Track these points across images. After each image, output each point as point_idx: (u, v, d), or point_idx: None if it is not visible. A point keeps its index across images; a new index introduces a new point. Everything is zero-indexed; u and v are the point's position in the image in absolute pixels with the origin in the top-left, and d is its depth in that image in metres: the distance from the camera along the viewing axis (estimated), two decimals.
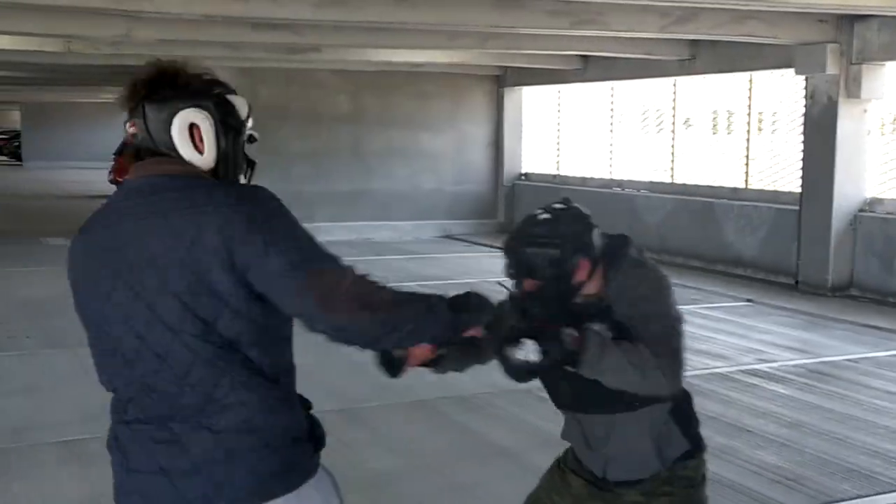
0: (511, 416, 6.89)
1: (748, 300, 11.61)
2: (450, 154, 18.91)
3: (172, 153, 2.50)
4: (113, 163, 27.96)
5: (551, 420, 6.34)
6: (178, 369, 2.38)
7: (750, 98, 13.90)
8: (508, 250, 2.95)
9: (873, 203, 11.93)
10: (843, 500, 5.35)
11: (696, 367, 7.82)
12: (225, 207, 2.38)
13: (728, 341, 9.34)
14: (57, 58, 15.45)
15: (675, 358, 2.81)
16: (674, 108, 15.47)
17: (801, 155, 12.46)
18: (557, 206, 2.99)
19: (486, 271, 13.83)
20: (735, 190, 14.06)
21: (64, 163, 38.29)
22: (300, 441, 2.53)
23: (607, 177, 17.00)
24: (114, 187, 27.42)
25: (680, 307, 2.93)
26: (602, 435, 3.05)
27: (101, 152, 30.57)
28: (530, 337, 2.74)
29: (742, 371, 8.21)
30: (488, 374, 7.79)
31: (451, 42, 13.46)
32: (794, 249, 12.45)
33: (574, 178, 17.82)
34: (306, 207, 17.26)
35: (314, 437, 2.58)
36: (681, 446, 3.00)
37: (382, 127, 18.18)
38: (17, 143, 44.58)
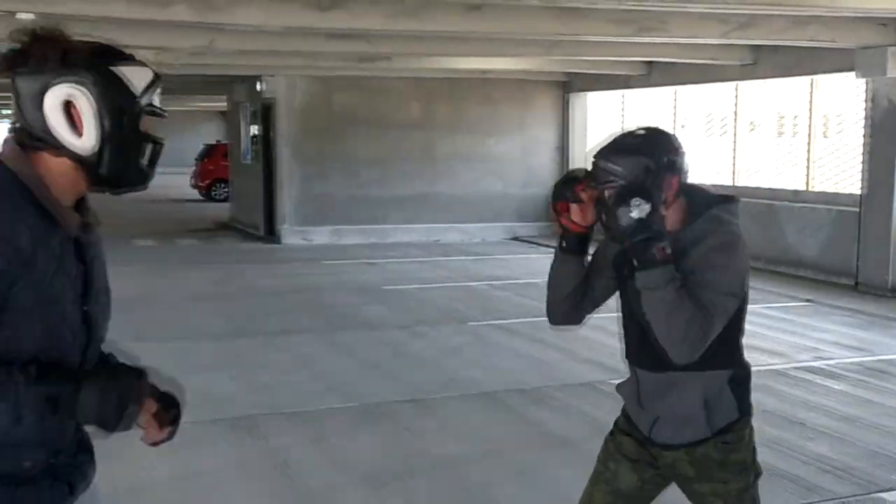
0: (570, 408, 6.99)
1: (807, 300, 11.52)
2: (517, 158, 18.98)
3: (48, 137, 2.16)
4: (195, 168, 28.62)
5: (608, 412, 6.47)
6: None
7: (811, 101, 13.77)
8: (602, 157, 2.83)
9: None
10: (892, 489, 5.35)
11: (753, 363, 7.81)
12: None
13: (786, 339, 9.29)
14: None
15: (703, 333, 2.73)
16: (736, 112, 15.38)
17: (862, 157, 12.34)
18: (651, 126, 2.94)
19: (543, 271, 13.87)
20: (796, 192, 13.93)
21: None
22: None
23: None
24: (195, 192, 28.09)
25: (745, 286, 2.86)
26: (655, 393, 3.00)
27: (184, 158, 31.10)
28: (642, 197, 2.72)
29: (798, 368, 8.17)
30: (550, 370, 8.00)
31: (518, 50, 13.55)
32: (854, 251, 12.31)
33: None
34: (376, 210, 17.57)
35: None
36: (730, 414, 2.95)
37: (451, 132, 18.32)
38: None
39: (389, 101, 17.86)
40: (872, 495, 5.28)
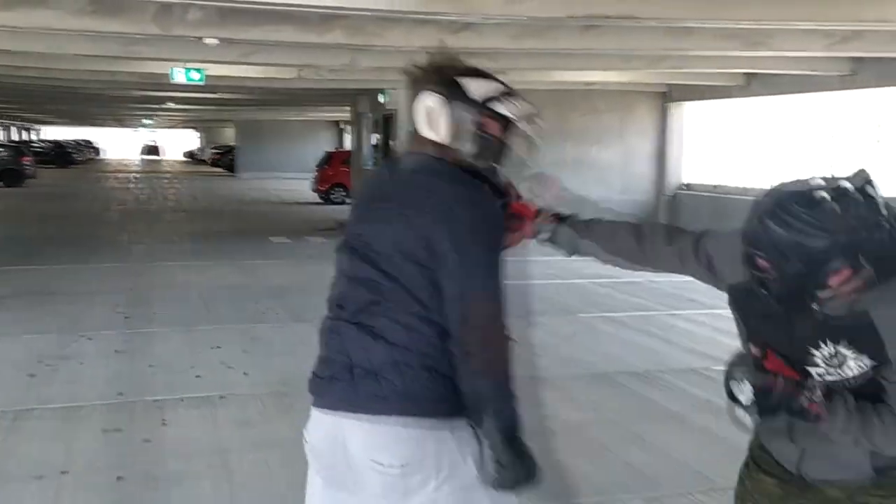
0: (677, 388, 7.28)
1: None
2: (617, 165, 19.01)
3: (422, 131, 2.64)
4: (316, 174, 29.25)
5: (713, 392, 6.63)
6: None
7: None
8: (758, 215, 2.16)
9: None
10: None
11: None
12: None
13: None
14: (286, 83, 16.31)
15: None
16: (834, 121, 15.16)
17: None
18: (845, 185, 2.11)
19: (645, 274, 13.96)
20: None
21: (272, 174, 40.00)
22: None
23: (766, 187, 16.74)
24: (316, 195, 28.75)
25: None
26: (810, 444, 2.39)
27: (306, 165, 31.77)
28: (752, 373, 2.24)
29: None
30: (656, 356, 8.14)
31: (626, 64, 13.66)
32: None
33: (734, 187, 17.65)
34: None
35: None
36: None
37: (557, 141, 18.41)
38: (230, 157, 46.93)
39: None
40: None
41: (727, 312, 7.66)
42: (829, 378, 2.25)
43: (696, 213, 18.38)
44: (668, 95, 18.82)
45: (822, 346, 2.25)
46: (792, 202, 2.10)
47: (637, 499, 4.90)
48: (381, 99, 17.41)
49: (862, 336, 2.18)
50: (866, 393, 2.22)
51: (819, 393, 2.17)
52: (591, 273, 13.73)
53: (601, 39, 10.35)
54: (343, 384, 2.51)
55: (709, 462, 5.48)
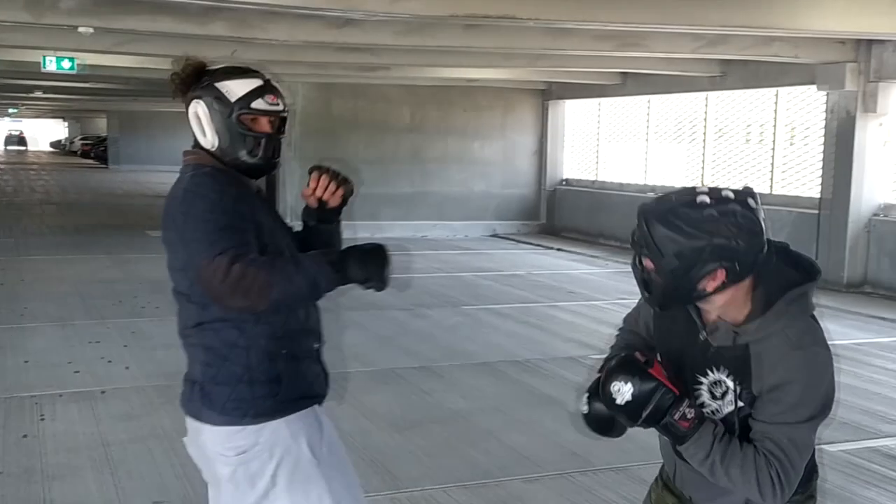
0: (557, 375, 7.56)
1: None
2: (499, 161, 19.36)
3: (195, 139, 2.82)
4: None
5: (590, 379, 6.86)
6: (180, 317, 2.80)
7: (776, 111, 14.19)
8: (642, 215, 2.23)
9: (887, 208, 12.22)
10: (833, 442, 5.66)
11: None
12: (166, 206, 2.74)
13: None
14: (163, 74, 16.02)
15: (788, 476, 2.21)
16: (705, 120, 15.79)
17: (821, 164, 12.77)
18: (727, 194, 2.23)
19: (530, 265, 14.35)
20: (760, 195, 14.31)
21: (146, 166, 39.10)
22: (260, 384, 2.71)
23: (643, 183, 17.35)
24: None
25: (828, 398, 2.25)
26: (692, 478, 2.45)
27: (177, 157, 31.15)
28: (638, 379, 2.22)
29: None
30: (537, 346, 8.39)
31: (506, 62, 13.93)
32: (813, 250, 12.70)
33: (612, 183, 18.18)
34: (372, 207, 17.90)
35: (277, 383, 2.72)
36: None
37: (440, 136, 18.70)
38: (103, 148, 45.72)
39: (383, 107, 18.26)
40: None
41: (605, 304, 8.25)
42: (708, 409, 2.32)
43: (575, 208, 18.89)
44: (548, 93, 19.24)
45: (709, 373, 2.33)
46: (677, 206, 2.20)
47: (518, 479, 5.11)
48: None
49: (742, 369, 2.26)
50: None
51: (694, 413, 2.22)
52: (475, 266, 14.04)
53: (482, 38, 10.58)
54: (186, 394, 2.81)
55: (586, 445, 5.73)
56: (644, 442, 5.76)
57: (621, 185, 17.89)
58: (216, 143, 2.74)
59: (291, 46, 11.50)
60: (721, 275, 2.18)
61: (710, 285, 2.20)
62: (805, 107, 13.69)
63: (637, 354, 2.28)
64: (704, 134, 15.82)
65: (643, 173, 17.50)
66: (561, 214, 19.31)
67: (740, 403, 2.27)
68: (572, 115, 19.58)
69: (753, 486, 2.20)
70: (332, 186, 2.95)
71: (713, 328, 2.31)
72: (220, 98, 2.71)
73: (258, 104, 2.74)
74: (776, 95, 14.11)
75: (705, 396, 2.34)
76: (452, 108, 18.78)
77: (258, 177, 2.87)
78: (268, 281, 2.51)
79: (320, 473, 2.73)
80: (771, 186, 14.30)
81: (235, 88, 2.73)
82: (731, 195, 2.21)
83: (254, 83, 2.75)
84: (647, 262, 2.24)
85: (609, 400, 2.24)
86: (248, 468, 2.69)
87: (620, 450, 5.65)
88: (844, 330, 9.67)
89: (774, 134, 14.28)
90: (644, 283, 2.30)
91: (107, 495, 4.83)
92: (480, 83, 17.75)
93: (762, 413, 2.23)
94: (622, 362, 2.25)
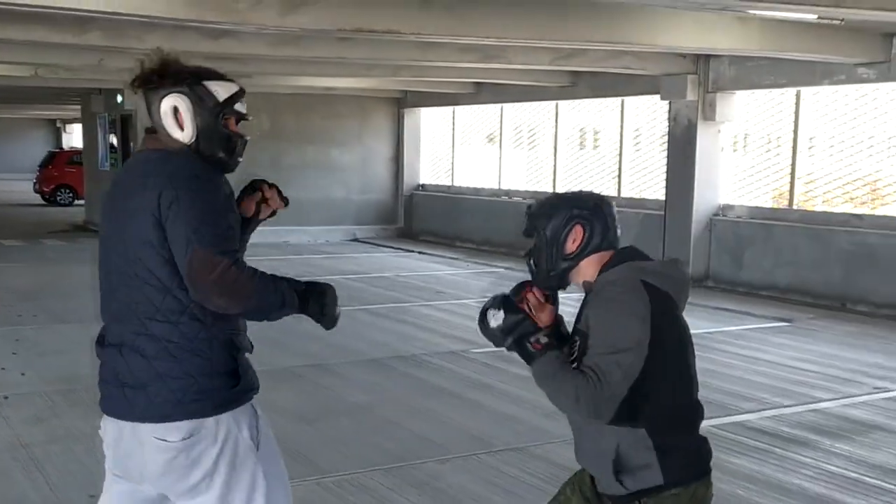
0: (444, 368, 8.03)
1: None
2: (357, 167, 19.74)
3: (162, 130, 2.85)
4: (39, 174, 27.94)
5: (475, 371, 7.57)
6: (131, 304, 2.79)
7: (622, 119, 15.10)
8: (527, 209, 2.93)
9: (725, 208, 13.25)
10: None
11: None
12: (166, 179, 2.74)
13: None
14: (16, 81, 15.68)
15: (595, 400, 2.59)
16: (556, 127, 16.59)
17: (665, 168, 13.70)
18: (591, 192, 2.97)
19: (395, 268, 14.79)
20: (609, 198, 15.18)
21: None
22: (220, 376, 2.83)
23: (496, 187, 18.05)
24: (39, 196, 27.45)
25: (638, 336, 2.62)
26: (577, 440, 2.90)
27: (22, 165, 30.25)
28: (510, 311, 2.76)
29: None
30: (419, 342, 8.82)
31: (369, 72, 14.31)
32: (659, 248, 13.58)
33: (467, 188, 18.83)
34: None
35: (236, 375, 2.87)
36: (650, 479, 2.68)
37: (299, 143, 18.92)
38: None
39: None
40: None
41: (473, 302, 8.90)
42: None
43: (431, 213, 19.45)
44: (404, 101, 19.73)
45: (578, 326, 2.81)
46: (549, 197, 2.94)
47: (430, 461, 5.54)
48: (119, 99, 17.13)
49: (581, 315, 2.79)
50: None
51: (547, 341, 2.73)
52: (342, 269, 14.37)
53: (354, 49, 10.94)
54: (119, 397, 2.83)
55: (485, 428, 6.24)
56: (535, 424, 6.37)
57: (476, 189, 18.55)
58: (193, 139, 2.85)
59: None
60: (579, 232, 2.79)
61: (573, 245, 2.79)
62: (650, 115, 14.63)
63: (527, 289, 2.84)
64: (555, 140, 16.63)
65: (497, 178, 18.19)
66: (418, 218, 19.84)
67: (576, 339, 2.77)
68: (427, 122, 20.13)
69: (572, 395, 2.62)
70: (279, 200, 3.25)
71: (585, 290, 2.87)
72: (209, 97, 2.85)
73: (238, 107, 2.94)
74: (622, 104, 15.02)
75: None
76: (311, 116, 19.04)
77: (222, 173, 2.97)
78: (252, 290, 2.74)
79: (257, 460, 2.88)
80: (619, 189, 15.20)
81: (221, 91, 2.88)
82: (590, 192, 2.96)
83: (234, 87, 2.94)
84: (534, 243, 2.85)
85: (484, 323, 2.80)
86: (189, 454, 2.78)
87: (515, 432, 6.20)
88: (693, 321, 10.40)
89: (621, 140, 15.18)
90: (532, 271, 2.89)
91: (42, 492, 4.99)
92: (338, 91, 18.09)
93: (588, 346, 2.69)
94: (502, 297, 2.82)
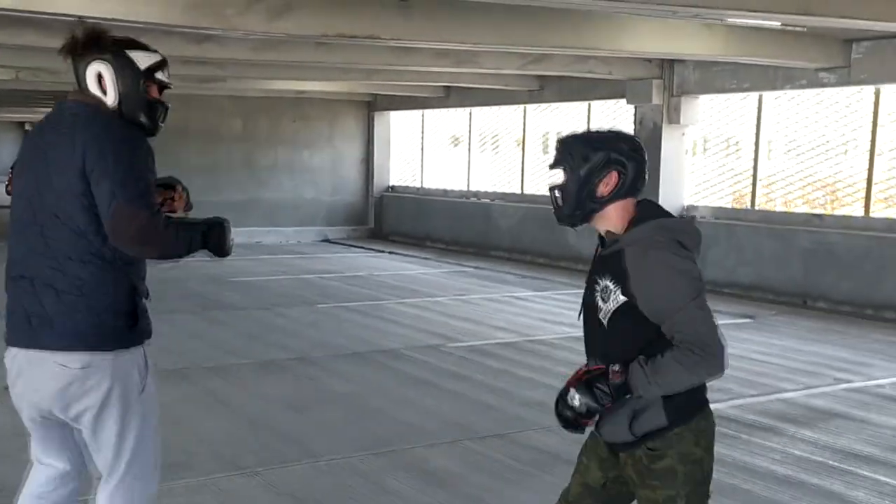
0: (423, 362, 8.21)
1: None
2: (327, 169, 19.91)
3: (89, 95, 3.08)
4: (9, 175, 27.73)
5: (453, 364, 7.74)
6: (49, 242, 3.02)
7: (588, 122, 15.37)
8: (563, 139, 2.88)
9: (690, 209, 13.58)
10: None
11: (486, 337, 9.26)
12: (93, 137, 2.97)
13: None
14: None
15: (705, 347, 2.63)
16: (524, 131, 16.84)
17: None
18: (627, 133, 2.95)
19: (369, 267, 14.97)
20: None
21: None
22: (121, 315, 3.08)
23: (465, 188, 18.28)
24: (8, 198, 27.24)
25: (695, 281, 2.70)
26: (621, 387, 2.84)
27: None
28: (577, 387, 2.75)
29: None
30: (397, 337, 9.00)
31: (344, 76, 14.46)
32: None
33: (436, 189, 19.06)
34: (206, 213, 18.04)
35: (134, 316, 3.12)
36: (655, 421, 2.77)
37: (270, 145, 19.08)
38: None
39: (215, 117, 18.50)
40: None
41: (447, 300, 9.16)
42: (602, 311, 2.80)
43: (401, 214, 19.65)
44: (374, 105, 19.93)
45: (599, 281, 2.82)
46: (586, 131, 2.98)
47: (419, 447, 5.74)
48: None
49: (618, 271, 2.74)
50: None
51: (617, 366, 2.71)
52: (317, 269, 14.53)
53: (331, 54, 11.11)
54: (24, 328, 3.07)
55: (467, 416, 6.46)
56: (514, 413, 6.60)
57: (445, 191, 18.77)
58: (116, 103, 3.07)
59: None
60: (614, 178, 2.77)
61: (605, 189, 2.77)
62: (616, 118, 14.91)
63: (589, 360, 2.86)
64: (523, 143, 16.88)
65: (465, 180, 18.43)
66: (388, 219, 20.03)
67: (623, 298, 2.73)
68: (397, 125, 20.33)
69: (688, 373, 2.65)
70: (183, 205, 3.56)
71: (606, 242, 2.86)
72: (130, 65, 3.08)
73: (160, 76, 3.16)
74: (588, 108, 15.31)
75: (599, 301, 2.83)
76: (282, 119, 19.19)
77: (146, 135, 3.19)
78: (166, 240, 3.05)
79: (139, 403, 3.14)
80: None
81: (142, 59, 3.11)
82: (631, 133, 2.99)
83: (156, 57, 3.17)
84: (561, 179, 2.82)
85: (569, 416, 2.79)
86: (84, 383, 3.02)
87: (496, 420, 6.43)
88: None
89: None
90: (557, 205, 2.87)
91: None
92: (309, 95, 18.24)
93: (657, 315, 2.68)
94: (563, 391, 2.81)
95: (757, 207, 12.89)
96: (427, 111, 19.15)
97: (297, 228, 19.40)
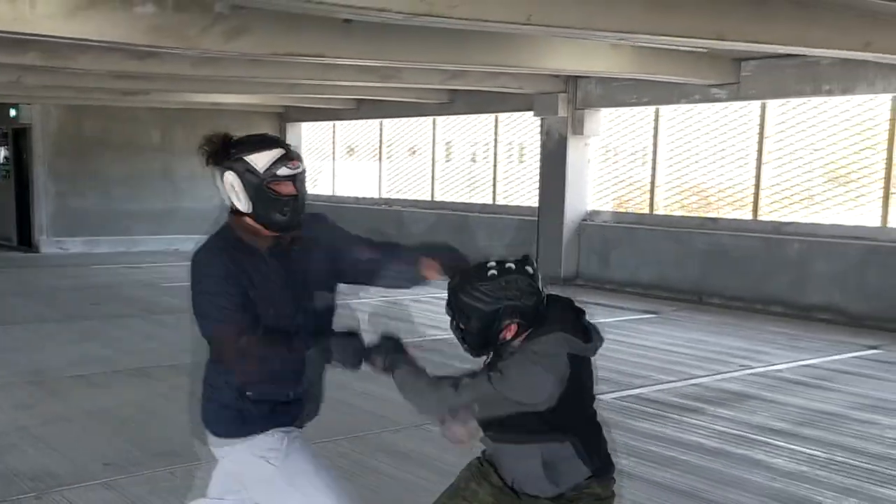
0: None
1: None
2: None
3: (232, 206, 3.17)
4: None
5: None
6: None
7: (496, 133, 15.85)
8: (452, 291, 2.87)
9: (593, 214, 14.19)
10: (605, 392, 7.14)
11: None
12: None
13: None
14: None
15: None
16: (433, 141, 17.21)
17: (538, 178, 14.52)
18: (510, 265, 2.83)
19: None
20: (485, 205, 15.98)
21: None
22: (227, 410, 3.23)
23: (377, 196, 18.58)
24: None
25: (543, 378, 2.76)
26: (496, 454, 3.02)
27: None
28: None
29: None
30: None
31: (266, 90, 14.59)
32: (534, 251, 14.38)
33: (349, 197, 19.29)
34: (125, 222, 18.01)
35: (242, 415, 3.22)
36: (580, 474, 2.88)
37: (188, 155, 18.81)
38: None
39: (134, 128, 18.40)
40: None
41: (376, 301, 9.25)
42: None
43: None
44: (286, 116, 20.03)
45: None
46: (474, 280, 2.80)
47: (386, 432, 6.06)
48: (12, 113, 16.92)
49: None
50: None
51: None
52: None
53: (261, 69, 11.28)
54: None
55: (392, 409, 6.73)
56: None
57: (357, 199, 19.03)
58: (250, 208, 3.08)
59: (76, 74, 11.56)
60: (513, 328, 2.80)
61: (507, 335, 2.81)
62: (524, 129, 15.43)
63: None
64: (433, 153, 17.27)
65: (377, 188, 18.72)
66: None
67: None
68: (309, 135, 20.47)
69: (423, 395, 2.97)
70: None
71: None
72: (251, 170, 3.04)
73: (282, 171, 3.05)
74: (496, 119, 15.78)
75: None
76: (199, 130, 18.37)
77: (288, 232, 3.16)
78: (257, 359, 3.09)
79: (276, 478, 3.22)
80: (494, 198, 15.93)
81: (261, 160, 3.04)
82: (513, 266, 2.81)
83: (276, 153, 3.08)
84: (461, 324, 2.85)
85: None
86: (222, 465, 3.32)
87: None
88: None
89: (495, 152, 15.94)
90: (461, 338, 2.89)
91: (60, 463, 5.28)
92: (224, 106, 18.28)
93: None
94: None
95: (656, 212, 13.56)
96: (338, 122, 19.34)
97: None
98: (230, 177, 3.07)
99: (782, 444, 6.15)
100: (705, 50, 9.20)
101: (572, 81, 13.68)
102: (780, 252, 11.72)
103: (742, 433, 6.39)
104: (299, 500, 3.20)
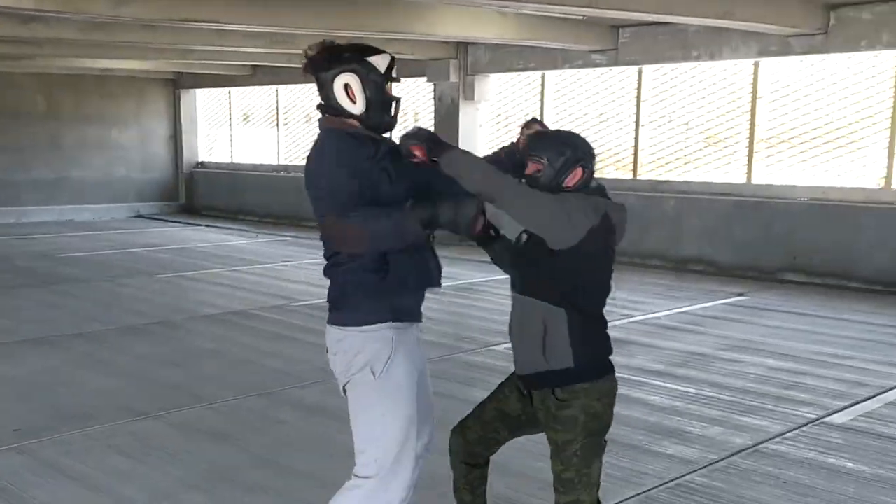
0: (273, 320, 8.47)
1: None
2: (136, 146, 19.58)
3: (339, 108, 3.11)
4: None
5: (300, 320, 8.42)
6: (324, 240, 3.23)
7: None
8: (537, 136, 3.25)
9: None
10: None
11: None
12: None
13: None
14: None
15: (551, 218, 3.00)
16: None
17: None
18: (583, 138, 3.23)
19: (192, 240, 15.10)
20: None
21: None
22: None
23: (275, 163, 18.53)
24: None
25: (578, 214, 3.03)
26: (517, 317, 3.21)
27: None
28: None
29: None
30: (244, 300, 9.27)
31: (159, 55, 14.38)
32: None
33: (246, 164, 19.19)
34: (12, 193, 17.53)
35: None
36: (564, 360, 3.05)
37: (77, 123, 18.55)
38: None
39: (15, 95, 17.75)
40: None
41: (276, 266, 9.82)
42: None
43: (212, 189, 19.64)
44: (179, 82, 19.74)
45: None
46: (551, 132, 3.31)
47: (293, 388, 6.28)
48: None
49: None
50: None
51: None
52: (142, 243, 14.50)
53: (155, 35, 11.18)
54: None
55: (297, 367, 6.92)
56: None
57: (255, 165, 18.95)
58: (366, 108, 3.08)
59: None
60: (579, 173, 3.14)
61: (571, 182, 3.13)
62: (418, 95, 15.61)
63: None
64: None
65: (275, 155, 18.67)
66: (199, 194, 19.96)
67: None
68: (204, 102, 20.22)
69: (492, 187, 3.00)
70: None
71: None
72: (374, 71, 3.08)
73: (394, 73, 3.18)
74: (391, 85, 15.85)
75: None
76: (88, 97, 18.67)
77: (388, 131, 3.22)
78: (366, 234, 3.00)
79: (372, 388, 3.19)
80: None
81: (380, 63, 3.11)
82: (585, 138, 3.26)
83: (388, 57, 3.16)
84: (535, 166, 3.13)
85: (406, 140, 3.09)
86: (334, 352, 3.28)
87: None
88: (470, 272, 11.61)
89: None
90: (534, 180, 3.14)
91: None
92: (114, 73, 17.92)
93: None
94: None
95: None
96: (234, 88, 19.16)
97: (109, 205, 19.04)
98: (349, 78, 3.06)
99: (658, 383, 6.60)
100: (583, 17, 9.55)
101: (463, 48, 13.92)
102: (657, 209, 12.26)
103: (623, 375, 6.65)
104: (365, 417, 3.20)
